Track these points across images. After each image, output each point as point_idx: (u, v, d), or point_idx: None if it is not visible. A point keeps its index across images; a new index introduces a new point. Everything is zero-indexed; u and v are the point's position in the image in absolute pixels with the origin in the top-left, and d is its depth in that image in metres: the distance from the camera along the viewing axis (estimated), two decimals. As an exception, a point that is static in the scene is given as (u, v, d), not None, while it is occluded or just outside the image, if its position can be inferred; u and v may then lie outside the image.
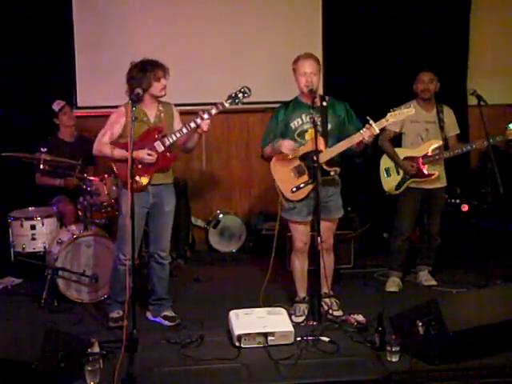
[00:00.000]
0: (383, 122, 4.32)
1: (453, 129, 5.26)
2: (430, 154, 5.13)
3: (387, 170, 5.24)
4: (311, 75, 4.44)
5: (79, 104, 6.27)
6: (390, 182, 5.22)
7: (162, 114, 4.48)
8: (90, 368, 3.57)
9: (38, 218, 5.31)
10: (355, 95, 6.15)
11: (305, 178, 4.48)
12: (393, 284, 5.27)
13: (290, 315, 4.41)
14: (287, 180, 4.52)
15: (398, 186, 5.18)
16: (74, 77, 6.26)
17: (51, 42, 6.15)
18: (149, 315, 4.69)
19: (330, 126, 4.46)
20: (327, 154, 4.40)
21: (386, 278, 5.39)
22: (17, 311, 4.91)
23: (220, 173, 6.73)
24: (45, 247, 5.28)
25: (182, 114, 4.56)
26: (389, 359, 3.81)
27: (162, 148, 4.40)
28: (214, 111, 4.37)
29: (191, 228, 6.56)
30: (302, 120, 4.50)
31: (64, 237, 5.11)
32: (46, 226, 5.33)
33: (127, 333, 3.90)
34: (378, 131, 4.29)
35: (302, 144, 4.48)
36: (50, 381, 3.46)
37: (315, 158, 4.27)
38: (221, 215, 6.62)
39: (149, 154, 4.36)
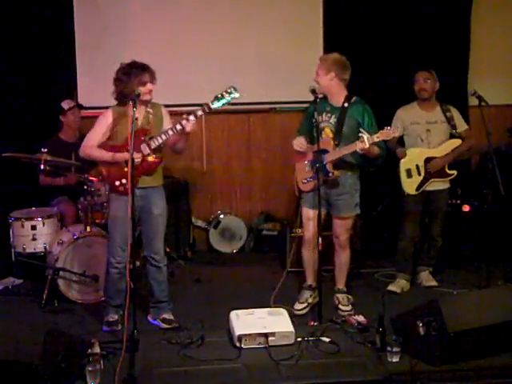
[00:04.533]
0: (374, 138, 4.40)
1: (463, 124, 5.22)
2: (450, 153, 5.11)
3: (408, 171, 5.16)
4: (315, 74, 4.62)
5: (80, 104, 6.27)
6: (411, 183, 5.16)
7: (151, 116, 4.45)
8: (90, 368, 3.58)
9: (39, 219, 5.31)
10: (356, 95, 6.16)
11: (312, 173, 4.61)
12: (395, 284, 5.22)
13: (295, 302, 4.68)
14: (302, 171, 4.74)
15: (419, 187, 5.14)
16: (75, 77, 6.26)
17: (52, 43, 6.14)
18: (149, 317, 4.69)
19: (344, 128, 4.54)
20: (332, 155, 4.50)
21: (393, 279, 5.36)
22: (17, 311, 4.91)
23: (221, 173, 6.73)
24: (45, 247, 5.28)
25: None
26: (389, 360, 3.83)
27: (148, 150, 4.37)
28: (199, 113, 4.33)
29: (192, 228, 6.56)
30: (322, 118, 4.62)
31: (64, 237, 5.11)
32: (47, 226, 5.33)
33: (128, 333, 3.91)
34: (367, 146, 4.37)
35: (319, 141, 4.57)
36: (51, 381, 3.46)
37: (325, 157, 4.46)
38: (221, 215, 6.62)
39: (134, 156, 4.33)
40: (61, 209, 5.55)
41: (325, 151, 4.50)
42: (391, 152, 5.17)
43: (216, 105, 4.32)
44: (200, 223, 6.66)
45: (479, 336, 3.74)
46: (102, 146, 4.44)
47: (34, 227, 5.29)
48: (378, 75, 6.35)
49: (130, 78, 4.31)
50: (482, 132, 4.88)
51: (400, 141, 5.25)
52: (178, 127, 4.33)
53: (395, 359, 3.82)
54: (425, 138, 5.14)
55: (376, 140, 4.40)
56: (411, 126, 5.17)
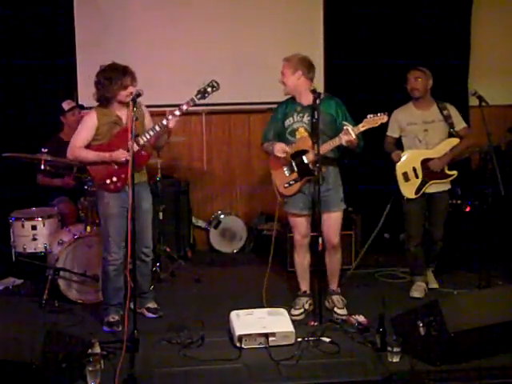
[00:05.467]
0: (359, 128, 4.38)
1: (461, 121, 5.13)
2: (448, 153, 5.04)
3: (405, 175, 5.09)
4: None
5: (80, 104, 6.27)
6: (409, 186, 5.07)
7: (133, 113, 4.42)
8: (90, 368, 3.58)
9: (39, 219, 5.31)
10: (356, 95, 6.17)
11: (294, 175, 4.61)
12: (417, 289, 5.15)
13: (290, 308, 4.58)
14: (281, 175, 4.67)
15: (418, 190, 5.05)
16: (75, 77, 6.26)
17: (52, 43, 6.14)
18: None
19: (319, 125, 4.48)
20: (313, 153, 4.45)
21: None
22: (18, 312, 4.91)
23: (221, 173, 6.73)
24: (46, 248, 5.28)
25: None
26: (390, 360, 3.82)
27: (136, 147, 4.41)
28: (184, 107, 4.41)
29: (192, 228, 6.56)
30: (294, 119, 4.61)
31: (65, 237, 5.11)
32: (47, 226, 5.32)
33: (128, 333, 3.91)
34: (354, 136, 4.34)
35: (293, 142, 4.59)
36: (51, 381, 3.46)
37: (304, 157, 4.49)
38: (222, 216, 6.62)
39: (122, 154, 4.41)
40: (61, 209, 5.55)
41: (304, 151, 4.50)
42: (389, 156, 5.17)
43: (199, 99, 4.41)
44: (200, 223, 6.66)
45: (479, 336, 3.74)
46: (89, 147, 4.50)
47: (34, 227, 5.28)
48: (379, 75, 6.35)
49: (112, 82, 4.39)
50: (483, 132, 4.87)
51: (399, 143, 5.22)
52: (165, 122, 4.42)
53: (395, 359, 3.82)
54: (422, 138, 5.06)
55: (362, 129, 4.37)
56: (408, 126, 5.09)
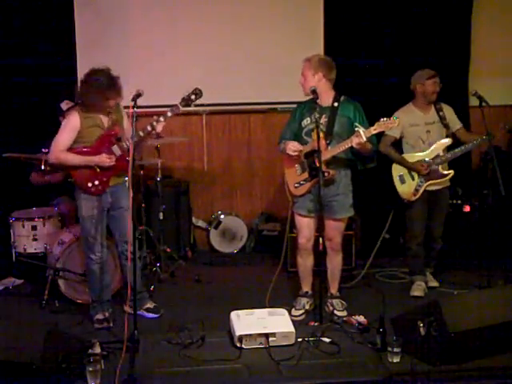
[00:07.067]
0: (371, 131, 4.33)
1: (457, 122, 5.15)
2: (441, 154, 5.05)
3: (401, 177, 5.11)
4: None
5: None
6: (406, 188, 5.10)
7: (114, 116, 4.54)
8: (91, 369, 3.58)
9: (39, 219, 5.32)
10: (355, 95, 6.16)
11: (305, 175, 4.59)
12: (418, 288, 5.17)
13: (291, 309, 4.61)
14: (293, 175, 4.67)
15: (416, 191, 5.07)
16: (75, 78, 6.26)
17: (53, 43, 6.14)
18: (128, 310, 4.55)
19: (335, 127, 4.49)
20: (325, 154, 4.44)
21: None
22: (18, 312, 4.91)
23: (221, 173, 6.73)
24: (46, 248, 5.28)
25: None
26: (390, 360, 3.83)
27: (120, 152, 4.46)
28: (169, 114, 4.45)
29: (192, 229, 6.56)
30: (311, 119, 4.56)
31: (65, 237, 5.11)
32: (47, 226, 5.34)
33: (128, 333, 3.91)
34: (364, 139, 4.30)
35: (308, 142, 4.56)
36: (51, 381, 3.46)
37: (316, 158, 4.36)
38: (222, 216, 6.61)
39: (107, 158, 4.42)
40: (61, 209, 5.56)
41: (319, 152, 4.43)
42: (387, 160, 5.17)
43: (183, 106, 4.44)
44: (201, 223, 6.66)
45: (480, 336, 3.74)
46: (70, 149, 4.47)
47: (34, 227, 5.30)
48: (378, 75, 6.35)
49: (96, 91, 4.38)
50: (483, 132, 4.88)
51: (398, 144, 5.22)
52: (149, 128, 4.45)
53: (396, 359, 3.82)
54: (425, 139, 5.08)
55: (373, 132, 4.33)
56: (410, 128, 5.09)
